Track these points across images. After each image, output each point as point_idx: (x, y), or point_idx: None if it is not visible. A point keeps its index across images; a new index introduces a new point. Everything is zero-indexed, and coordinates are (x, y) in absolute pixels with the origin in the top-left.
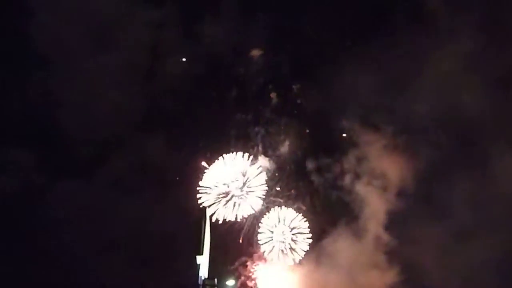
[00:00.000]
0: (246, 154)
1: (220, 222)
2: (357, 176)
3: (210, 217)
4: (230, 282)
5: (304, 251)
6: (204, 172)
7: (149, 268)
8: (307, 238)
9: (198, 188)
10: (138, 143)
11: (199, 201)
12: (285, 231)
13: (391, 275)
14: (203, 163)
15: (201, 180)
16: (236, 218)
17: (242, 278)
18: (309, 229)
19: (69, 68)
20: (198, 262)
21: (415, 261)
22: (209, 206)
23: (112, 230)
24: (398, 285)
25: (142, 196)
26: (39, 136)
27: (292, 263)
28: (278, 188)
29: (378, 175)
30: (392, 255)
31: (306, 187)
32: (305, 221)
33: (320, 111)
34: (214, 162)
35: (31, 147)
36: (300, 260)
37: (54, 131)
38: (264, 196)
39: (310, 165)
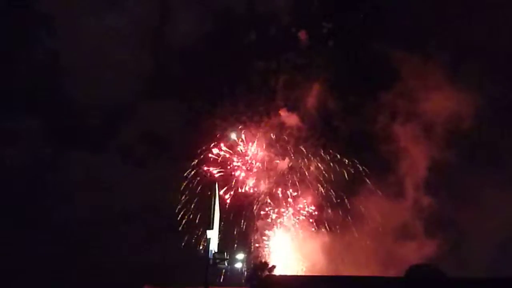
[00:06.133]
0: None
1: None
2: (395, 120)
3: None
4: (240, 255)
5: None
6: None
7: (161, 242)
8: None
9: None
10: (148, 112)
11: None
12: None
13: (431, 246)
14: None
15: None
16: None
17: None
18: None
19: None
20: (208, 236)
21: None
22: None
23: (124, 203)
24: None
25: (153, 168)
26: (45, 104)
27: None
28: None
29: (423, 118)
30: (433, 221)
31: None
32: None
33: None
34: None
35: (38, 116)
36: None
37: (61, 98)
38: None
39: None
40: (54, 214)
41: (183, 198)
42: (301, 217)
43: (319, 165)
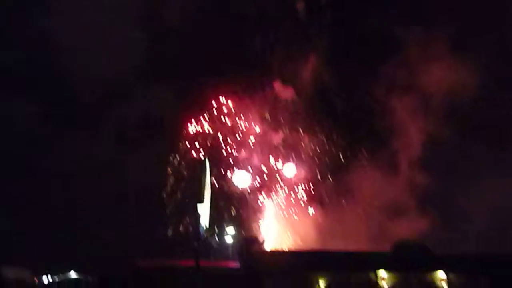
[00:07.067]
0: None
1: None
2: (391, 91)
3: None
4: (230, 230)
5: None
6: None
7: (156, 219)
8: None
9: None
10: (142, 92)
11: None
12: None
13: (424, 222)
14: None
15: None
16: None
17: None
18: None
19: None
20: (198, 210)
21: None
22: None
23: (119, 182)
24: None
25: (147, 148)
26: (41, 85)
27: None
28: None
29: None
30: (428, 197)
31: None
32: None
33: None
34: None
35: (33, 97)
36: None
37: (56, 79)
38: None
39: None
40: (50, 194)
41: (171, 176)
42: (293, 193)
43: (313, 140)
